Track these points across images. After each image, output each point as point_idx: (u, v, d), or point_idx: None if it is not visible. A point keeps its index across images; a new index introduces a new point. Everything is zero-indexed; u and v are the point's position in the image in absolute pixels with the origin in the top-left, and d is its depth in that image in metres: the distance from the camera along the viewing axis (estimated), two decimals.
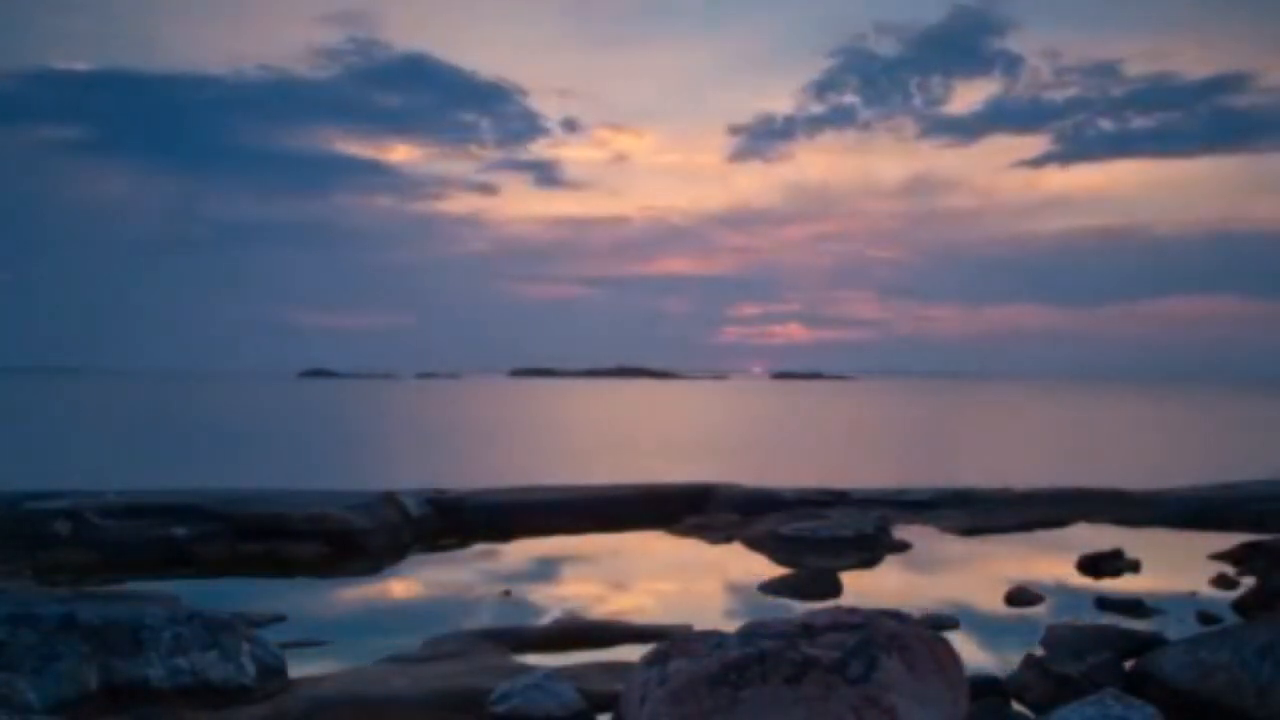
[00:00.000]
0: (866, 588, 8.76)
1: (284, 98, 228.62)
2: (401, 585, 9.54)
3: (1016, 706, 5.48)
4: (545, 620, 7.52)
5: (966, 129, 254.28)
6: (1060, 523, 12.20)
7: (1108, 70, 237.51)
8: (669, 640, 4.76)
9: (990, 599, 8.33)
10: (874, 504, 12.64)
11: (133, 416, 46.95)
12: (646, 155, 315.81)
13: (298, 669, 5.91)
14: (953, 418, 50.72)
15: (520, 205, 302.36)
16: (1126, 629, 6.88)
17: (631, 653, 5.84)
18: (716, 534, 11.43)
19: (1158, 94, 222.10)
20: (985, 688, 5.45)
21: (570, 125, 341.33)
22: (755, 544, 10.77)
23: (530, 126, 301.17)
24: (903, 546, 10.73)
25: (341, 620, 7.98)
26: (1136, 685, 5.41)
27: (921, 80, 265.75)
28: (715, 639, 4.51)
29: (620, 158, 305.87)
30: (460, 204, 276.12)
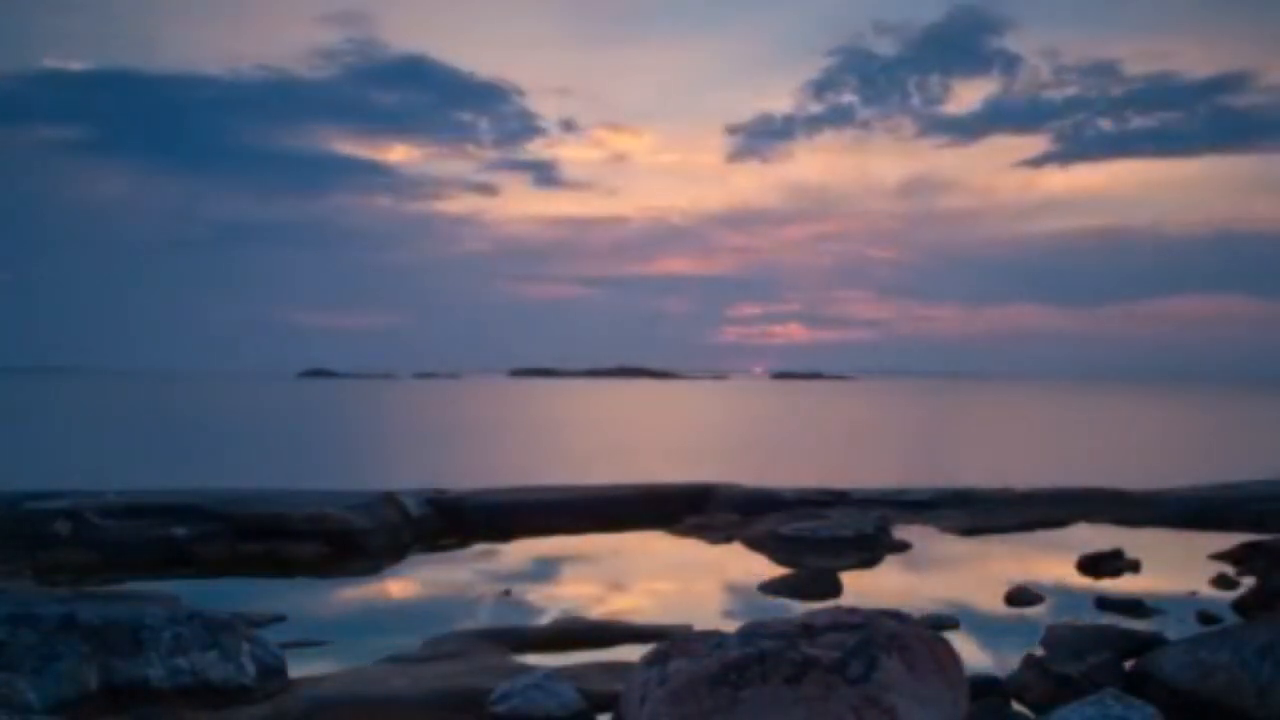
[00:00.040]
0: (866, 588, 8.76)
1: (282, 98, 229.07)
2: (401, 585, 9.54)
3: (1016, 706, 5.48)
4: (545, 620, 7.52)
5: (965, 129, 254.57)
6: (1060, 523, 12.20)
7: (1107, 70, 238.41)
8: (669, 640, 4.76)
9: (990, 599, 8.33)
10: (874, 504, 12.63)
11: (132, 416, 46.95)
12: (645, 155, 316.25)
13: (298, 669, 5.91)
14: (953, 418, 50.72)
15: (519, 205, 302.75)
16: (1126, 629, 6.88)
17: (631, 653, 5.84)
18: (716, 534, 11.43)
19: (1157, 93, 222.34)
20: (985, 688, 5.45)
21: (568, 125, 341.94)
22: (755, 544, 10.77)
23: (528, 126, 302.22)
24: (903, 546, 10.73)
25: (341, 620, 7.97)
26: (1136, 685, 5.41)
27: (920, 80, 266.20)
28: (715, 639, 4.51)
29: (619, 157, 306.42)
30: (459, 204, 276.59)
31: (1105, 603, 8.08)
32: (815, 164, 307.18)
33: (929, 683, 4.25)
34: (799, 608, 7.33)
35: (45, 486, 11.86)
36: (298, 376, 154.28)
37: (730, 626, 4.97)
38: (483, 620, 7.60)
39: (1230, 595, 8.31)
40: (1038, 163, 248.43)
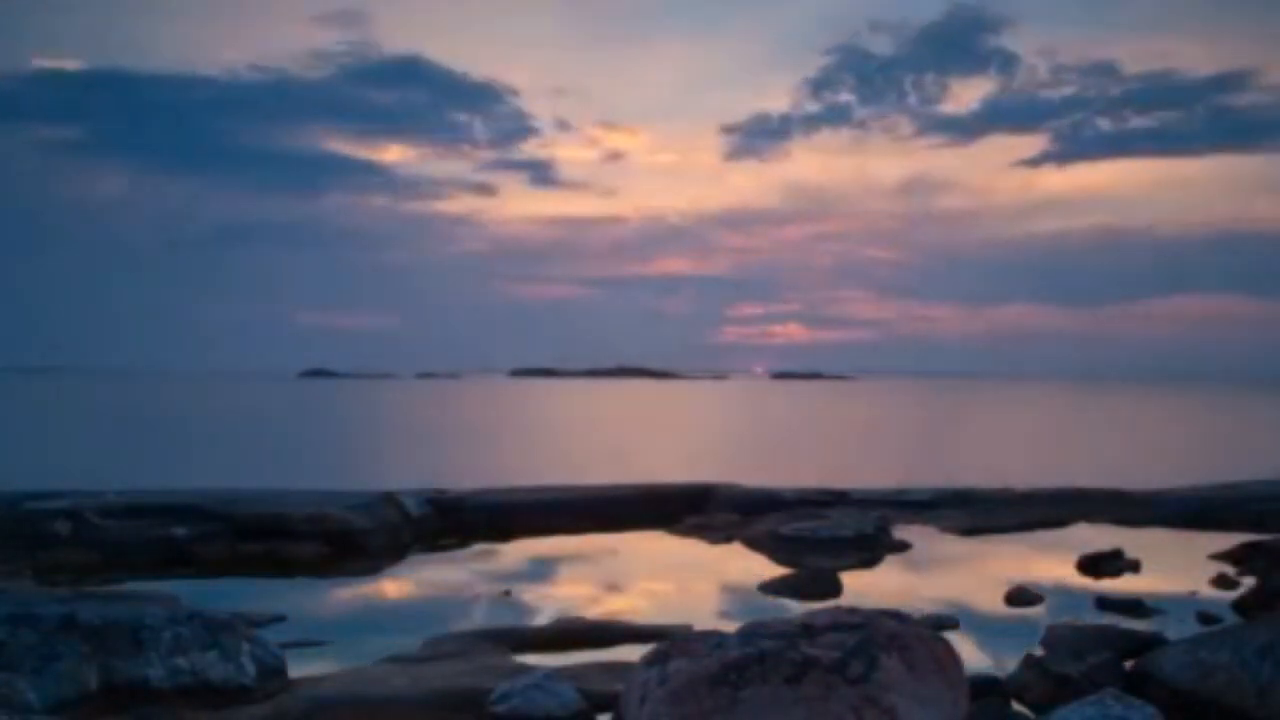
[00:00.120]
0: (866, 588, 8.76)
1: (278, 98, 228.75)
2: (401, 585, 9.53)
3: (1016, 706, 5.48)
4: (545, 620, 7.52)
5: (963, 128, 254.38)
6: (1060, 523, 12.20)
7: (1105, 69, 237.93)
8: (669, 640, 4.76)
9: (990, 599, 8.33)
10: (874, 504, 12.64)
11: (132, 417, 46.94)
12: (642, 155, 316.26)
13: (298, 669, 5.91)
14: (952, 418, 50.72)
15: (517, 205, 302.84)
16: (1126, 629, 6.88)
17: (631, 653, 5.84)
18: (716, 534, 11.43)
19: (1156, 93, 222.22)
20: (985, 688, 5.46)
21: (564, 125, 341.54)
22: (755, 544, 10.77)
23: (523, 126, 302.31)
24: (903, 546, 10.73)
25: (341, 620, 7.97)
26: (1136, 685, 5.41)
27: (917, 79, 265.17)
28: (715, 639, 4.51)
29: (615, 157, 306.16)
30: (457, 204, 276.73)
31: (1105, 603, 8.08)
32: (813, 164, 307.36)
33: (929, 683, 4.25)
34: (799, 608, 7.33)
35: (45, 486, 11.86)
36: (298, 376, 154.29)
37: (730, 626, 4.96)
38: (483, 620, 7.60)
39: (1230, 595, 8.31)
40: (1036, 162, 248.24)
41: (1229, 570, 9.41)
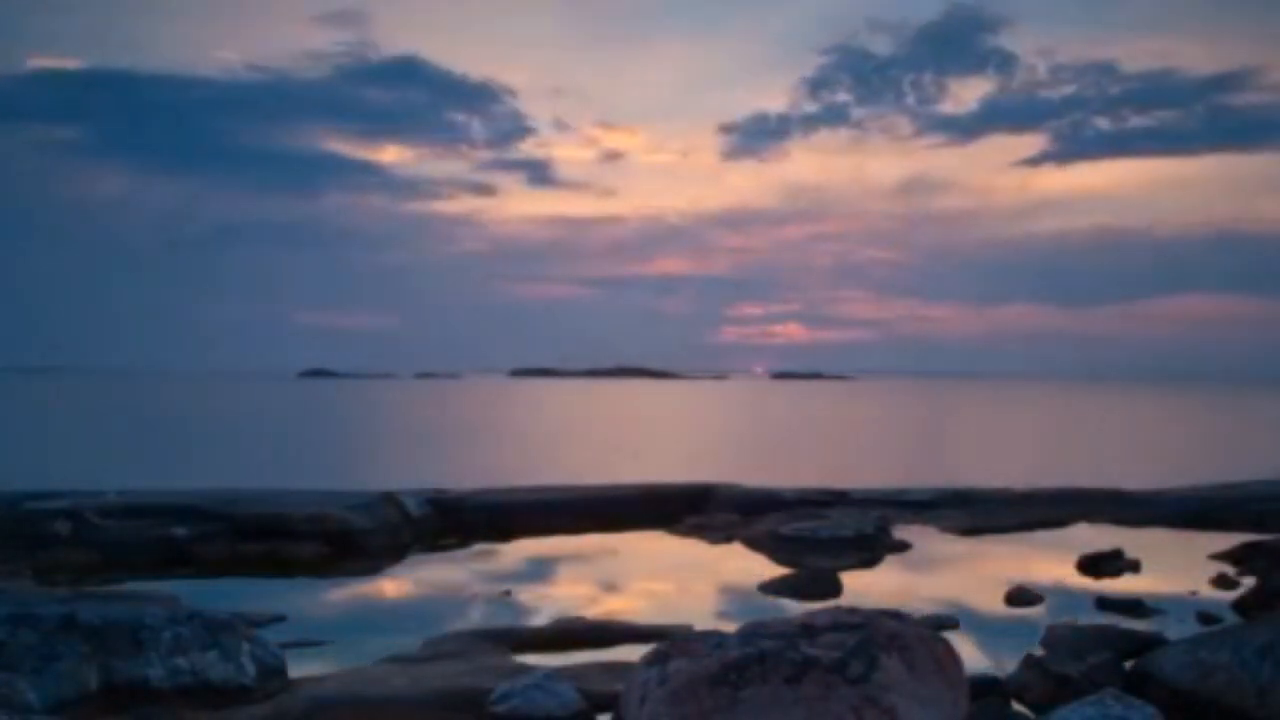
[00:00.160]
0: (866, 588, 8.76)
1: (276, 98, 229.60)
2: (401, 585, 9.53)
3: (1016, 706, 5.48)
4: (545, 620, 7.52)
5: (962, 128, 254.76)
6: (1060, 523, 12.20)
7: (1104, 68, 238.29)
8: (669, 640, 4.76)
9: (990, 599, 8.33)
10: (874, 504, 12.63)
11: (132, 417, 46.94)
12: (640, 155, 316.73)
13: (298, 669, 5.91)
14: (952, 418, 50.72)
15: (516, 205, 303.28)
16: (1126, 629, 6.88)
17: (631, 653, 5.84)
18: (716, 534, 11.43)
19: (1155, 92, 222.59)
20: (985, 688, 5.45)
21: (563, 125, 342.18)
22: (755, 544, 10.77)
23: (522, 126, 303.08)
24: (903, 546, 10.73)
25: (341, 620, 7.97)
26: (1136, 685, 5.41)
27: (915, 79, 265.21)
28: (715, 639, 4.51)
29: (614, 157, 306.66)
30: (455, 204, 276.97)
31: (1105, 603, 8.08)
32: (811, 164, 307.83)
33: (929, 683, 4.25)
34: (799, 608, 7.33)
35: (45, 486, 11.86)
36: (298, 376, 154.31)
37: (730, 626, 4.97)
38: (482, 620, 7.60)
39: (1230, 595, 8.31)
40: (1035, 162, 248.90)
41: (1229, 570, 9.41)
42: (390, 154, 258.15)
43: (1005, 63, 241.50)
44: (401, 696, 5.35)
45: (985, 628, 7.35)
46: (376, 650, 6.43)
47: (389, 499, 11.43)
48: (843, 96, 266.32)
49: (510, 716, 5.04)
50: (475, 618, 7.72)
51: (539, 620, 7.55)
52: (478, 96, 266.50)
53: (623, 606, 8.15)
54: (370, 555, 10.28)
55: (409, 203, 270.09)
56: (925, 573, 9.64)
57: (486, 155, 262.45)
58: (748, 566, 9.81)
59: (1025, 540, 11.45)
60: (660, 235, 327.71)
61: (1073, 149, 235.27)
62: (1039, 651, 6.26)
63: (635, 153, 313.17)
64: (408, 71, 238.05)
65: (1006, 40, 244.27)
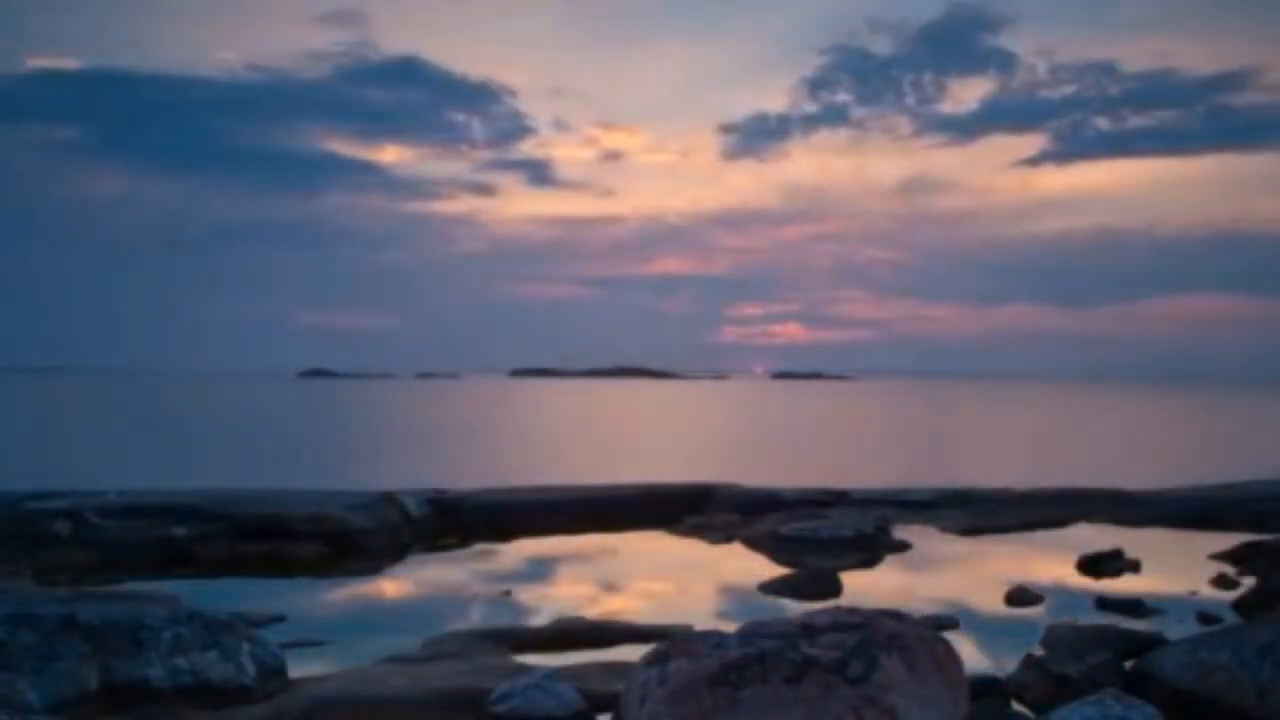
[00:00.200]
0: (866, 588, 8.76)
1: (276, 98, 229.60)
2: (401, 585, 9.53)
3: (1016, 706, 5.48)
4: (545, 620, 7.52)
5: (962, 128, 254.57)
6: (1060, 523, 12.20)
7: (1104, 68, 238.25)
8: (669, 640, 4.76)
9: (990, 599, 8.33)
10: (874, 504, 12.63)
11: (132, 417, 46.94)
12: (640, 155, 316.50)
13: (298, 669, 5.91)
14: (952, 418, 50.71)
15: (516, 205, 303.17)
16: (1126, 629, 6.88)
17: (631, 653, 5.84)
18: (716, 534, 11.43)
19: (1155, 92, 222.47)
20: (985, 688, 5.45)
21: (563, 125, 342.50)
22: (755, 544, 10.77)
23: (522, 126, 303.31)
24: (903, 546, 10.73)
25: (341, 620, 7.97)
26: (1136, 685, 5.41)
27: (915, 79, 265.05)
28: (715, 639, 4.51)
29: (614, 157, 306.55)
30: (455, 204, 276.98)
31: (1105, 603, 8.08)
32: (811, 164, 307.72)
33: (929, 683, 4.25)
34: (799, 608, 7.33)
35: (45, 486, 11.86)
36: (298, 376, 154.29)
37: (730, 626, 4.97)
38: (482, 620, 7.60)
39: (1230, 595, 8.31)
40: (1035, 162, 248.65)
41: (1229, 570, 9.41)
42: (390, 154, 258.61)
43: (1005, 63, 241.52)
44: (401, 696, 5.34)
45: (985, 628, 7.35)
46: (376, 650, 6.42)
47: (389, 499, 11.43)
48: (843, 96, 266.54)
49: (510, 716, 5.04)
50: (475, 618, 7.72)
51: (539, 620, 7.55)
52: (478, 96, 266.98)
53: (623, 606, 8.15)
54: (370, 555, 10.28)
55: (409, 203, 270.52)
56: (925, 573, 9.64)
57: (486, 155, 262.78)
58: (748, 566, 9.81)
59: (1025, 540, 11.45)
60: (660, 235, 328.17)
61: (1073, 149, 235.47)
62: (1039, 651, 6.26)
63: (635, 153, 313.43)
64: (407, 71, 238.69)
65: (1007, 40, 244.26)
